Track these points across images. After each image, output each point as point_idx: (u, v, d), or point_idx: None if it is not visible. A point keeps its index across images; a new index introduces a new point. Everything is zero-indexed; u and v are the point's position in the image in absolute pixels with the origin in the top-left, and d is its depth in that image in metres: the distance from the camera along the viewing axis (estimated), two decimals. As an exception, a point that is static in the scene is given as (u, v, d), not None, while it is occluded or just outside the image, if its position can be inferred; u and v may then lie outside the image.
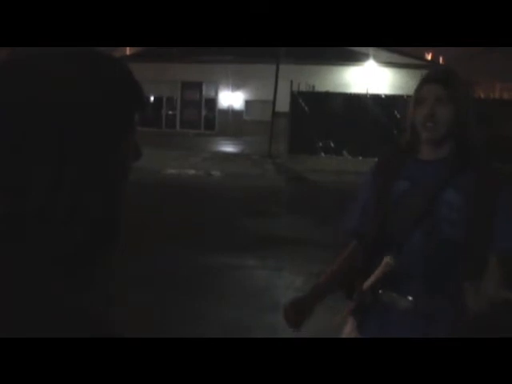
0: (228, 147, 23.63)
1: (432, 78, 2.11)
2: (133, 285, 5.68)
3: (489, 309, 1.85)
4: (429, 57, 33.08)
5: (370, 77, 28.30)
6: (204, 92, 31.74)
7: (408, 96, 21.37)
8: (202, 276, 6.39)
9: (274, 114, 21.53)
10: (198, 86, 31.47)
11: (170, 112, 32.13)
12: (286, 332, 2.25)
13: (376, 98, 21.51)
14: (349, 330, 2.24)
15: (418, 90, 2.12)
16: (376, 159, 2.34)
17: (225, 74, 29.63)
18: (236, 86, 30.36)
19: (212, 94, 31.67)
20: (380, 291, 2.09)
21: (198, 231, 8.45)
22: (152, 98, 31.04)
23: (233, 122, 30.07)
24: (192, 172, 15.86)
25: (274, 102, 21.53)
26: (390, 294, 2.08)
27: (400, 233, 2.06)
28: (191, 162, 17.68)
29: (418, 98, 2.11)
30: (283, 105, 21.34)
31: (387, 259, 2.01)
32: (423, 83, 2.12)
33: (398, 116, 19.20)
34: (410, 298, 2.05)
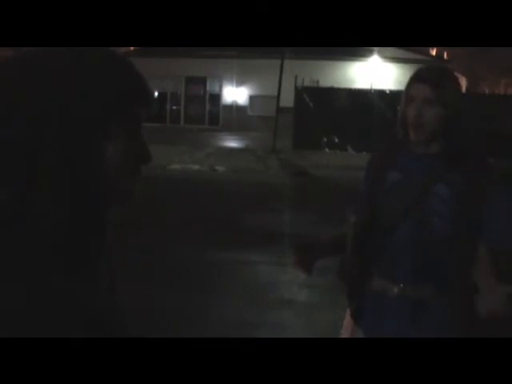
0: (232, 142, 23.58)
1: (422, 77, 2.07)
2: (134, 279, 5.68)
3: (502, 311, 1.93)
4: (433, 52, 32.92)
5: (375, 72, 28.18)
6: (208, 87, 31.68)
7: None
8: (205, 272, 6.39)
9: (279, 109, 21.47)
10: (203, 81, 31.41)
11: (174, 107, 32.06)
12: (290, 330, 2.25)
13: (380, 93, 21.42)
14: (350, 329, 2.26)
15: (409, 87, 2.09)
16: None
17: (229, 69, 29.55)
18: (240, 82, 30.29)
19: (216, 89, 31.62)
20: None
21: (202, 226, 8.45)
22: (156, 94, 31.01)
23: (237, 118, 30.00)
24: (196, 167, 15.84)
25: (278, 98, 21.47)
26: (381, 281, 2.12)
27: (391, 221, 2.10)
28: (195, 157, 17.65)
29: (408, 96, 2.09)
30: (288, 100, 21.29)
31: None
32: (413, 81, 2.09)
33: (403, 111, 19.22)
34: (401, 285, 2.08)
